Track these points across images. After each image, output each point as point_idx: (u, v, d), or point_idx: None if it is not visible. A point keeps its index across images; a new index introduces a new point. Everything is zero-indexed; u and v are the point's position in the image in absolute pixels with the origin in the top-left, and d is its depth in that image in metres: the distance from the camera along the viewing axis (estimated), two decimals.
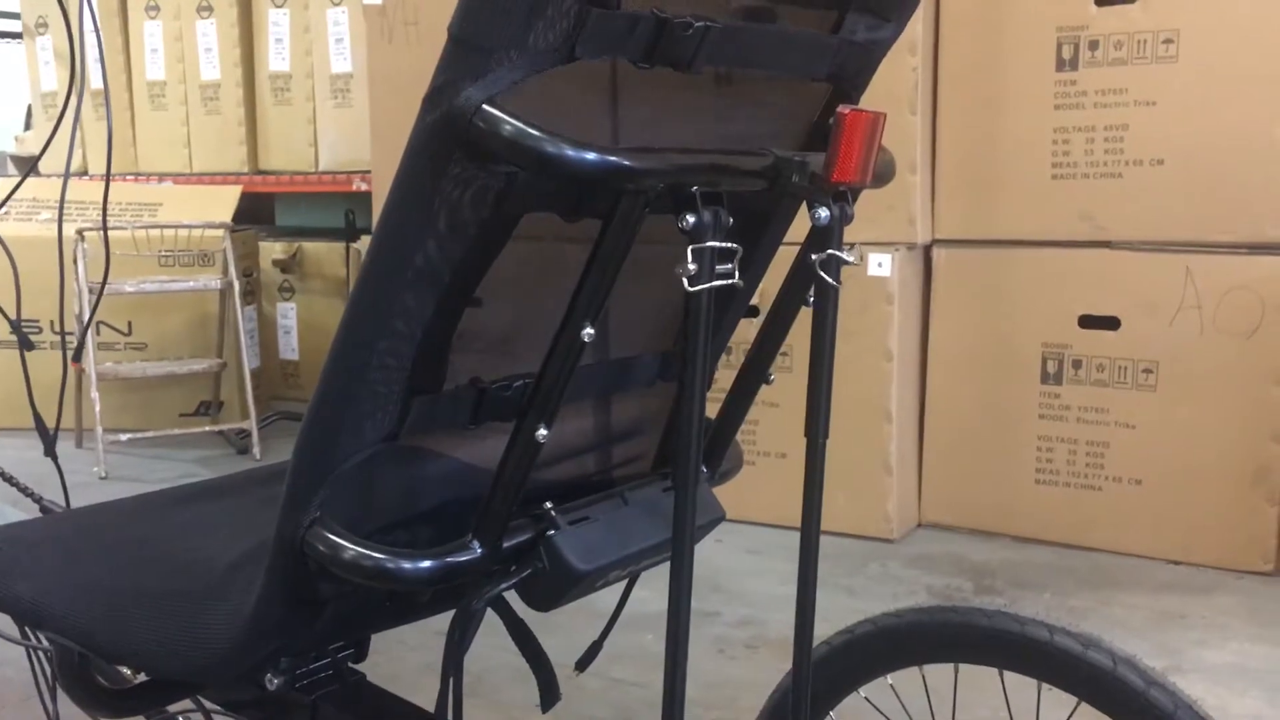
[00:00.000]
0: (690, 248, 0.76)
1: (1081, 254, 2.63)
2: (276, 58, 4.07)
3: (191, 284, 3.54)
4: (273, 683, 0.98)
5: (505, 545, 0.85)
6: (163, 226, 3.56)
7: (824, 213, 0.83)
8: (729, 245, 0.77)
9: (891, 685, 1.15)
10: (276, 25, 4.05)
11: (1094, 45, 2.58)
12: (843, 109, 0.76)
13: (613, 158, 0.72)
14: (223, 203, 3.79)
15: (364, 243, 3.40)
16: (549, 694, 0.96)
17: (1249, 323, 2.47)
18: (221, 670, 0.88)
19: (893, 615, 1.13)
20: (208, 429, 3.59)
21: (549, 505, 0.88)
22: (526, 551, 0.87)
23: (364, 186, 3.79)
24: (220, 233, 3.55)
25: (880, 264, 2.67)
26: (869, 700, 1.17)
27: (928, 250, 2.78)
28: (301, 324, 4.20)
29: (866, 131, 0.77)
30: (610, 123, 0.83)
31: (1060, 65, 2.62)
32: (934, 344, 2.81)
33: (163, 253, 3.61)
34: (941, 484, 2.84)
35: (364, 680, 1.10)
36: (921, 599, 2.40)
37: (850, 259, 0.84)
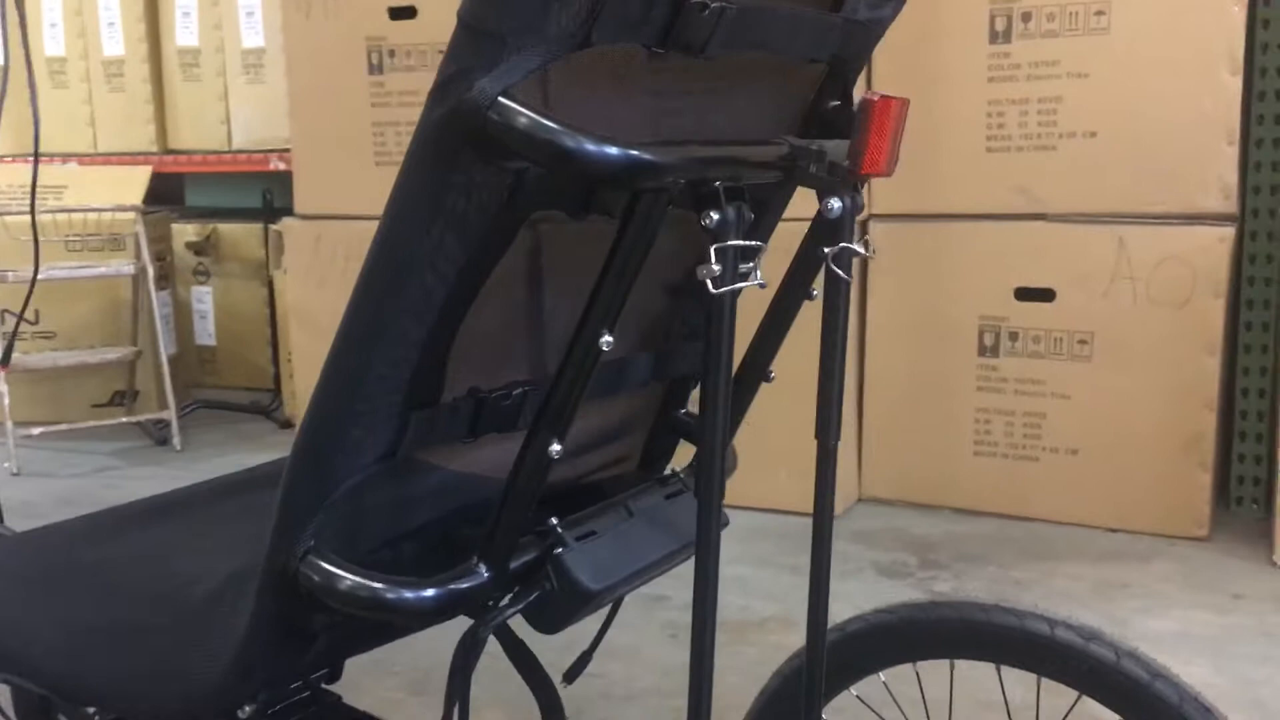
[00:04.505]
0: (713, 247, 0.71)
1: (1017, 227, 2.64)
2: (184, 32, 3.92)
3: (103, 269, 3.40)
4: (245, 711, 0.92)
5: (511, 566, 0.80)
6: (71, 210, 3.40)
7: (837, 204, 0.79)
8: (753, 244, 0.73)
9: (885, 683, 1.12)
10: None
11: (1027, 17, 2.58)
12: (871, 95, 0.72)
13: (634, 152, 0.67)
14: (132, 184, 3.63)
15: (284, 224, 3.28)
16: (552, 717, 0.91)
17: (1182, 293, 2.50)
18: (201, 711, 0.82)
19: (885, 611, 1.10)
20: (124, 420, 3.46)
21: (554, 521, 0.83)
22: (532, 571, 0.82)
23: (282, 165, 3.67)
24: (131, 215, 3.41)
25: None
26: (860, 699, 1.14)
27: (864, 225, 2.77)
28: (218, 308, 4.06)
29: (896, 119, 0.73)
30: (609, 115, 0.78)
31: (994, 38, 2.62)
32: (872, 319, 2.81)
33: (70, 237, 3.45)
34: (881, 458, 2.84)
35: (340, 703, 1.04)
36: (868, 576, 2.40)
37: (864, 251, 0.80)
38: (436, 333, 0.74)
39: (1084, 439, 2.62)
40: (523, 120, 0.65)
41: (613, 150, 0.66)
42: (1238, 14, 2.41)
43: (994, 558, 2.48)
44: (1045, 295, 2.62)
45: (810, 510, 3.02)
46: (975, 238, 2.68)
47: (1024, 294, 2.64)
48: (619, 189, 0.73)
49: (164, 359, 3.42)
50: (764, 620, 2.17)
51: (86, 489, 3.07)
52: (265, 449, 3.40)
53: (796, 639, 2.09)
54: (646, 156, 0.68)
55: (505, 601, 0.81)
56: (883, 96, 0.73)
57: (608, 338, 0.73)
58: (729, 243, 0.71)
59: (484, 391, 0.81)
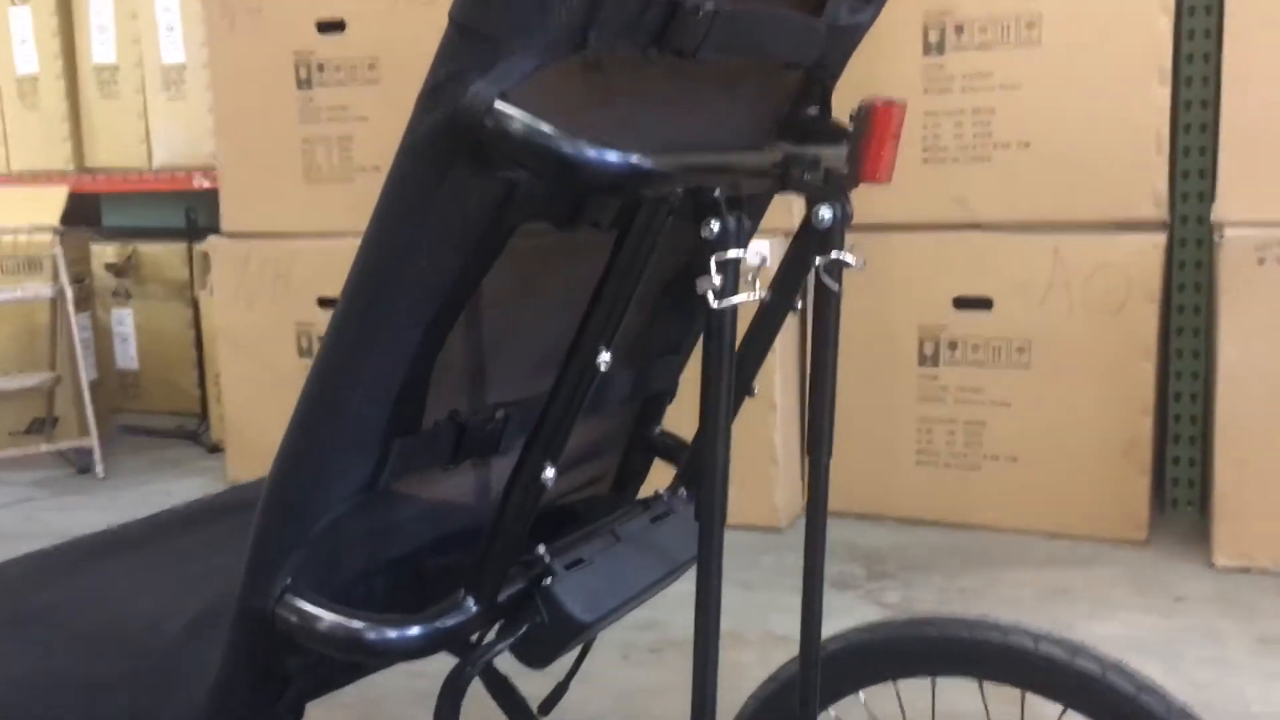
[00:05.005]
0: (714, 259, 0.68)
1: (954, 236, 2.66)
2: (101, 48, 3.80)
3: (19, 294, 3.28)
4: None
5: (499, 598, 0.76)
6: None
7: (827, 213, 0.77)
8: (755, 254, 0.70)
9: (864, 703, 1.10)
10: (99, 13, 3.78)
11: (960, 29, 2.60)
12: (873, 100, 0.70)
13: (634, 159, 0.64)
14: (48, 204, 3.51)
15: (210, 243, 3.19)
16: None
17: (1116, 300, 2.54)
18: None
19: (865, 630, 1.08)
20: (43, 448, 3.34)
21: (542, 550, 0.79)
22: (519, 603, 0.78)
23: (206, 184, 3.58)
24: (48, 237, 3.30)
25: (759, 252, 2.64)
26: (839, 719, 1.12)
27: None
28: (140, 331, 3.95)
29: (897, 125, 0.71)
30: (599, 121, 0.75)
31: (928, 49, 2.63)
32: (813, 331, 2.80)
33: None
34: None
35: None
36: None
37: (854, 262, 0.78)
38: (421, 355, 0.70)
39: (1024, 446, 2.64)
40: (520, 127, 0.62)
41: (613, 158, 0.63)
42: (1165, 25, 2.45)
43: (940, 567, 2.48)
44: (983, 304, 2.64)
45: (760, 524, 3.00)
46: (913, 248, 2.69)
47: (962, 303, 2.66)
48: (619, 198, 0.70)
49: (84, 384, 3.31)
50: (722, 638, 2.14)
51: (8, 521, 2.95)
52: (193, 474, 3.31)
53: (751, 657, 2.07)
54: (648, 164, 0.65)
55: (492, 636, 0.77)
56: (885, 102, 0.71)
57: (605, 355, 0.69)
58: (730, 254, 0.68)
59: (465, 415, 0.77)
